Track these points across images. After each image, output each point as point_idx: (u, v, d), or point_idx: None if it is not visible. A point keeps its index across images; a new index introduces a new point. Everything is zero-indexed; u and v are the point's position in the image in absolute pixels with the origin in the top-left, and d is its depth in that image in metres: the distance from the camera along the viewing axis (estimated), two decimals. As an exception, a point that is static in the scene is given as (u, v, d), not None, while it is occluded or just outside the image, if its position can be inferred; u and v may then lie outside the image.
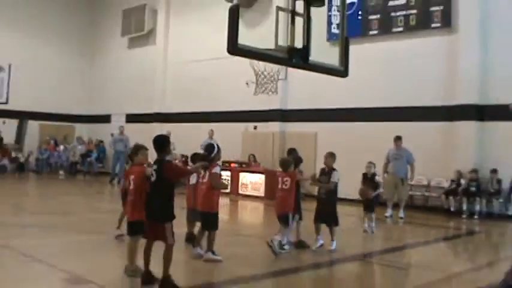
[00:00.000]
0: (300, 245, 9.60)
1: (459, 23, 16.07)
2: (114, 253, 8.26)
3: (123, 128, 22.66)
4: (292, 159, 9.37)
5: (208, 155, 8.39)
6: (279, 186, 8.99)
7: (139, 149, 7.38)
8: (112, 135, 23.35)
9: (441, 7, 16.39)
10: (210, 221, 8.17)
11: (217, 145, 8.61)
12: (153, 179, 6.58)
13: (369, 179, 11.74)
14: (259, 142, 19.83)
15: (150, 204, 6.62)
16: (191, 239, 8.88)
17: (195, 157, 9.23)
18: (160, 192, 6.53)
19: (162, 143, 6.83)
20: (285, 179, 8.93)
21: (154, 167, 6.60)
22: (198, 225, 8.77)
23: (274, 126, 20.28)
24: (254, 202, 17.40)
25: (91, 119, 28.68)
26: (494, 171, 14.98)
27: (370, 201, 11.65)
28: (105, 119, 27.25)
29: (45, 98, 26.45)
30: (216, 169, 8.29)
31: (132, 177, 7.08)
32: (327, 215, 9.64)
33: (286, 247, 8.91)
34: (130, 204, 7.01)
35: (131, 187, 7.05)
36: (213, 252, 8.14)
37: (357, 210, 16.23)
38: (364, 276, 8.21)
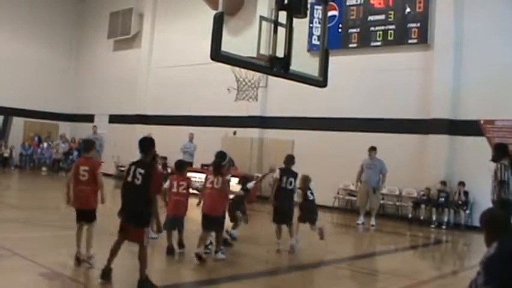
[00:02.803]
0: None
1: (435, 40, 16.56)
2: (93, 249, 8.37)
3: (96, 127, 22.74)
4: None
5: (221, 161, 8.72)
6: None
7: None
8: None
9: (418, 24, 16.85)
10: (219, 224, 8.54)
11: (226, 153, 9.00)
12: (137, 182, 6.44)
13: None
14: (238, 147, 20.07)
15: (130, 207, 6.52)
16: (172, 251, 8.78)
17: (182, 164, 9.45)
18: (144, 198, 6.42)
19: (148, 144, 6.80)
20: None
21: (141, 170, 6.46)
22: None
23: (253, 133, 20.57)
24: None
25: (75, 118, 28.72)
26: (461, 183, 15.42)
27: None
28: (88, 118, 27.24)
29: (30, 95, 26.51)
30: (228, 176, 8.67)
31: (85, 168, 7.41)
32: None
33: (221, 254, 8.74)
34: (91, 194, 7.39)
35: (85, 178, 7.34)
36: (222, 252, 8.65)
37: (330, 216, 16.61)
38: (334, 281, 8.34)
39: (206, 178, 8.73)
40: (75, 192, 7.40)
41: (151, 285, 6.44)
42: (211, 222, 8.46)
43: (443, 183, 15.61)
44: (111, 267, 6.54)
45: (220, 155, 8.85)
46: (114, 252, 6.56)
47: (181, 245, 8.90)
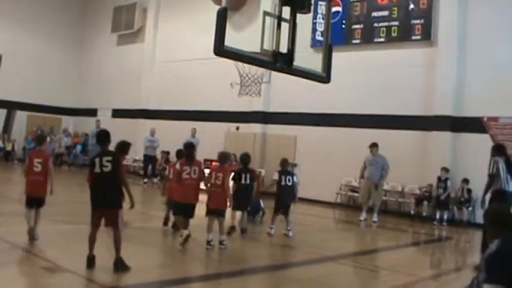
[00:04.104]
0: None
1: (438, 37, 16.54)
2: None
3: (99, 122, 22.90)
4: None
5: (192, 152, 9.49)
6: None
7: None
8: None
9: (422, 21, 16.84)
10: (189, 211, 9.07)
11: None
12: (107, 169, 6.94)
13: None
14: (241, 142, 20.08)
15: (103, 193, 7.00)
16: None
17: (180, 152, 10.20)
18: (115, 182, 7.00)
19: (105, 136, 7.28)
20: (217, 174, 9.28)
21: (109, 158, 6.99)
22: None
23: (256, 128, 20.58)
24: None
25: (78, 112, 28.73)
26: (465, 180, 15.42)
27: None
28: (91, 112, 27.28)
29: (33, 89, 26.52)
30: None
31: (39, 160, 8.31)
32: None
33: (225, 242, 9.14)
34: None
35: (38, 169, 8.25)
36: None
37: (333, 212, 16.62)
38: (336, 277, 8.37)
39: (181, 169, 9.20)
40: (30, 181, 8.31)
41: (125, 266, 6.88)
42: (183, 208, 9.07)
43: (445, 169, 15.54)
44: (94, 254, 6.92)
45: (188, 145, 9.57)
46: (92, 240, 6.95)
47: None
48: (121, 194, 7.10)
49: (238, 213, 10.91)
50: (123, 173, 7.15)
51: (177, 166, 9.50)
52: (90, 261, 6.88)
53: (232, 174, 10.53)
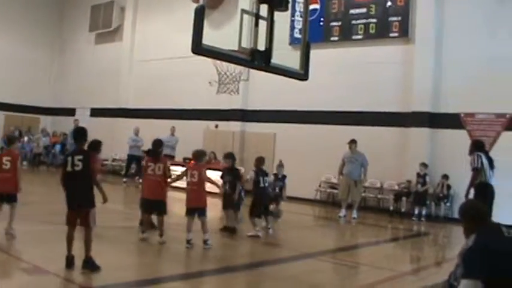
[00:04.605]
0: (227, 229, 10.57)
1: (416, 34, 16.65)
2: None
3: (77, 121, 22.73)
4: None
5: (158, 149, 9.59)
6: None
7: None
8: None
9: (399, 18, 16.94)
10: (159, 207, 9.22)
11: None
12: (78, 168, 6.89)
13: (279, 179, 12.24)
14: (220, 140, 20.06)
15: (74, 193, 6.96)
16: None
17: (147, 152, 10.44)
18: (86, 181, 6.95)
19: (82, 133, 7.29)
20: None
21: (80, 157, 6.95)
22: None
23: (235, 126, 20.56)
24: (213, 198, 17.59)
25: (56, 111, 28.43)
26: (445, 176, 15.55)
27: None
28: (70, 112, 27.05)
29: (11, 89, 26.20)
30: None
31: (8, 158, 8.70)
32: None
33: (209, 242, 9.04)
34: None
35: (7, 167, 8.60)
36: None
37: (312, 209, 16.67)
38: (315, 273, 8.38)
39: (146, 165, 9.42)
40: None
41: (95, 265, 6.84)
42: (151, 205, 9.25)
43: (424, 165, 15.65)
44: (73, 254, 6.91)
45: (155, 143, 9.61)
46: (69, 240, 6.94)
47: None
48: (93, 193, 7.03)
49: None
50: (94, 172, 7.06)
51: (143, 163, 9.76)
52: (69, 262, 6.86)
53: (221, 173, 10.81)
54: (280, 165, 12.36)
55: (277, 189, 11.94)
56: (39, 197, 13.84)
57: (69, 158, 6.98)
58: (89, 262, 6.83)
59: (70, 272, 6.75)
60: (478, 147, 10.25)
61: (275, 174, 12.21)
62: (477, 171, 9.85)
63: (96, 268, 6.82)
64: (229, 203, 10.71)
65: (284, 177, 12.24)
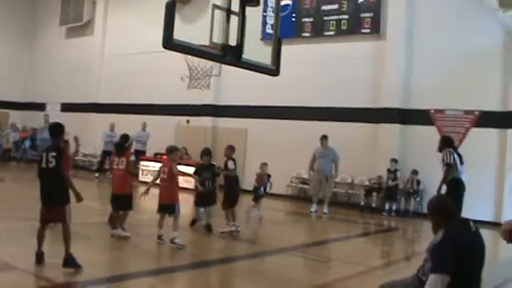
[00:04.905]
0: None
1: (387, 30, 16.78)
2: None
3: (48, 116, 22.40)
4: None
5: (123, 143, 9.47)
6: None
7: None
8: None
9: (371, 14, 17.05)
10: (125, 202, 9.18)
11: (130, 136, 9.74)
12: (51, 165, 6.83)
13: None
14: (191, 136, 19.99)
15: (48, 189, 6.91)
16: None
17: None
18: (59, 178, 6.85)
19: (58, 130, 7.21)
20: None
21: (53, 153, 6.87)
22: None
23: (206, 121, 20.50)
24: (184, 193, 17.55)
25: (26, 106, 27.96)
26: (415, 172, 15.72)
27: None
28: (40, 107, 26.65)
29: (-21, 83, 25.67)
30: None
31: None
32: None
33: (177, 240, 8.89)
34: None
35: None
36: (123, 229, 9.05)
37: (283, 204, 16.72)
38: (286, 268, 8.43)
39: (112, 160, 9.53)
40: None
41: (76, 263, 6.77)
42: (118, 200, 9.21)
43: (394, 160, 15.80)
44: (43, 251, 6.88)
45: (120, 137, 9.68)
46: (40, 238, 6.92)
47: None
48: (67, 189, 6.95)
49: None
50: (63, 169, 6.94)
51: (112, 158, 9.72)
52: (39, 258, 6.85)
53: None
54: (265, 164, 12.33)
55: (261, 189, 12.03)
56: (9, 194, 13.67)
57: (44, 154, 6.93)
58: (69, 260, 6.75)
59: (40, 268, 6.70)
60: (447, 143, 10.36)
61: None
62: (449, 166, 9.95)
63: (77, 266, 6.75)
64: (213, 199, 10.60)
65: (268, 176, 12.28)
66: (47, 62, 27.49)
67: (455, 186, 9.86)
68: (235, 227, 10.28)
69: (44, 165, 6.89)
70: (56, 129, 7.20)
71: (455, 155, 10.08)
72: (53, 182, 6.86)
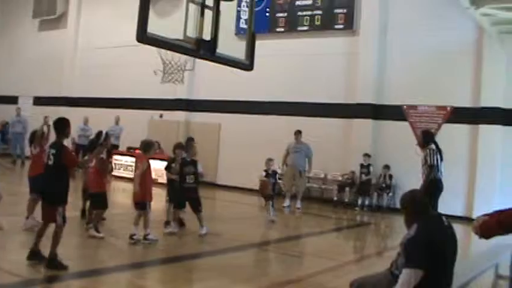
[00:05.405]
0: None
1: (360, 26, 16.88)
2: (20, 236, 8.18)
3: (20, 109, 22.17)
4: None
5: (97, 141, 9.22)
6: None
7: None
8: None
9: (345, 10, 17.12)
10: (98, 200, 9.04)
11: (106, 132, 9.48)
12: (50, 162, 6.67)
13: (270, 175, 12.18)
14: (164, 130, 19.88)
15: (45, 187, 6.81)
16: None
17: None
18: (57, 176, 6.68)
19: (62, 125, 6.92)
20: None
21: (53, 151, 6.70)
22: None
23: (179, 115, 20.42)
24: (156, 188, 17.45)
25: (-3, 99, 27.54)
26: (387, 167, 15.84)
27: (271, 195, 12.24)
28: (11, 100, 26.11)
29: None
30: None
31: None
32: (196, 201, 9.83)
33: (149, 237, 8.77)
34: None
35: None
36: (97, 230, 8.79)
37: (251, 199, 16.71)
38: (259, 263, 8.48)
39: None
40: None
41: (61, 264, 6.59)
42: (92, 198, 9.16)
43: (367, 155, 15.89)
44: (39, 249, 6.72)
45: (96, 135, 9.64)
46: (39, 235, 6.74)
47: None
48: (62, 189, 6.73)
49: None
50: (68, 166, 6.83)
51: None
52: (32, 254, 6.71)
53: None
54: (270, 160, 12.24)
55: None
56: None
57: (48, 151, 6.83)
58: (54, 260, 6.56)
59: (18, 264, 6.61)
60: (430, 137, 10.03)
61: (266, 171, 12.12)
62: (431, 167, 9.54)
63: (63, 267, 6.58)
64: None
65: (275, 173, 12.28)
66: (19, 54, 27.03)
67: (434, 187, 9.61)
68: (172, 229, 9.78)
69: (45, 160, 6.79)
70: (58, 125, 6.91)
71: (438, 155, 9.68)
72: (49, 181, 6.73)
